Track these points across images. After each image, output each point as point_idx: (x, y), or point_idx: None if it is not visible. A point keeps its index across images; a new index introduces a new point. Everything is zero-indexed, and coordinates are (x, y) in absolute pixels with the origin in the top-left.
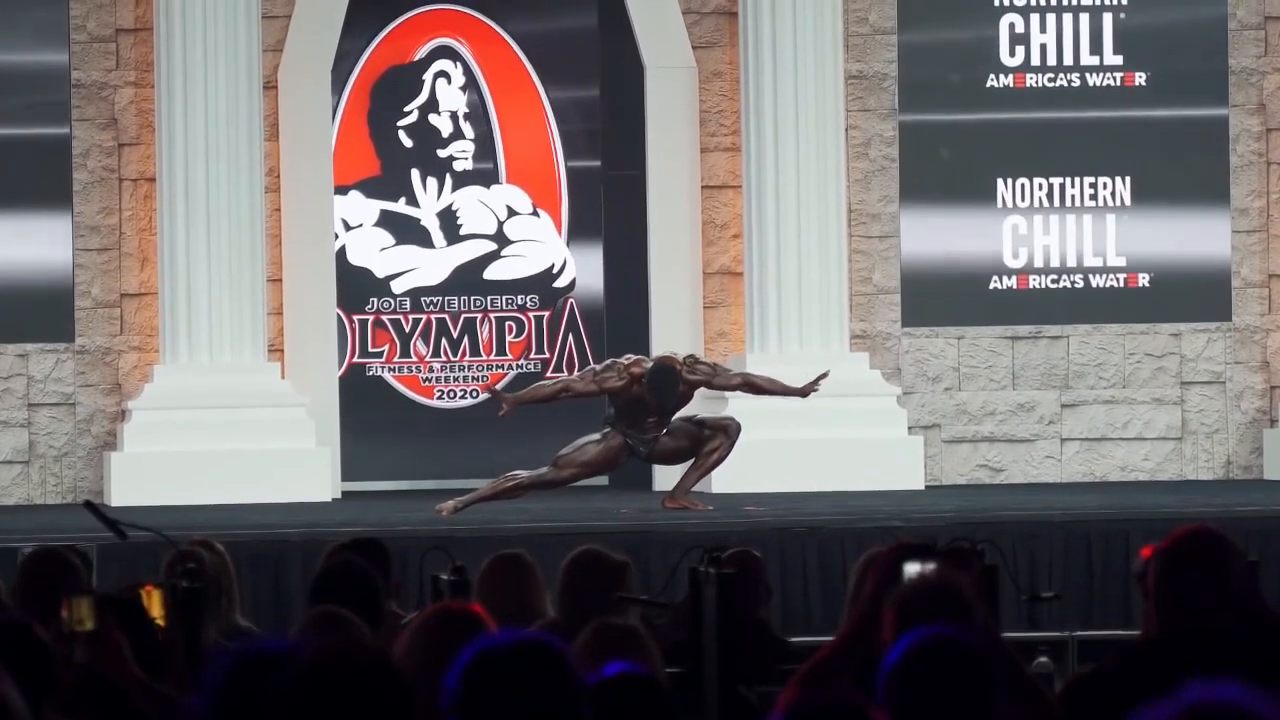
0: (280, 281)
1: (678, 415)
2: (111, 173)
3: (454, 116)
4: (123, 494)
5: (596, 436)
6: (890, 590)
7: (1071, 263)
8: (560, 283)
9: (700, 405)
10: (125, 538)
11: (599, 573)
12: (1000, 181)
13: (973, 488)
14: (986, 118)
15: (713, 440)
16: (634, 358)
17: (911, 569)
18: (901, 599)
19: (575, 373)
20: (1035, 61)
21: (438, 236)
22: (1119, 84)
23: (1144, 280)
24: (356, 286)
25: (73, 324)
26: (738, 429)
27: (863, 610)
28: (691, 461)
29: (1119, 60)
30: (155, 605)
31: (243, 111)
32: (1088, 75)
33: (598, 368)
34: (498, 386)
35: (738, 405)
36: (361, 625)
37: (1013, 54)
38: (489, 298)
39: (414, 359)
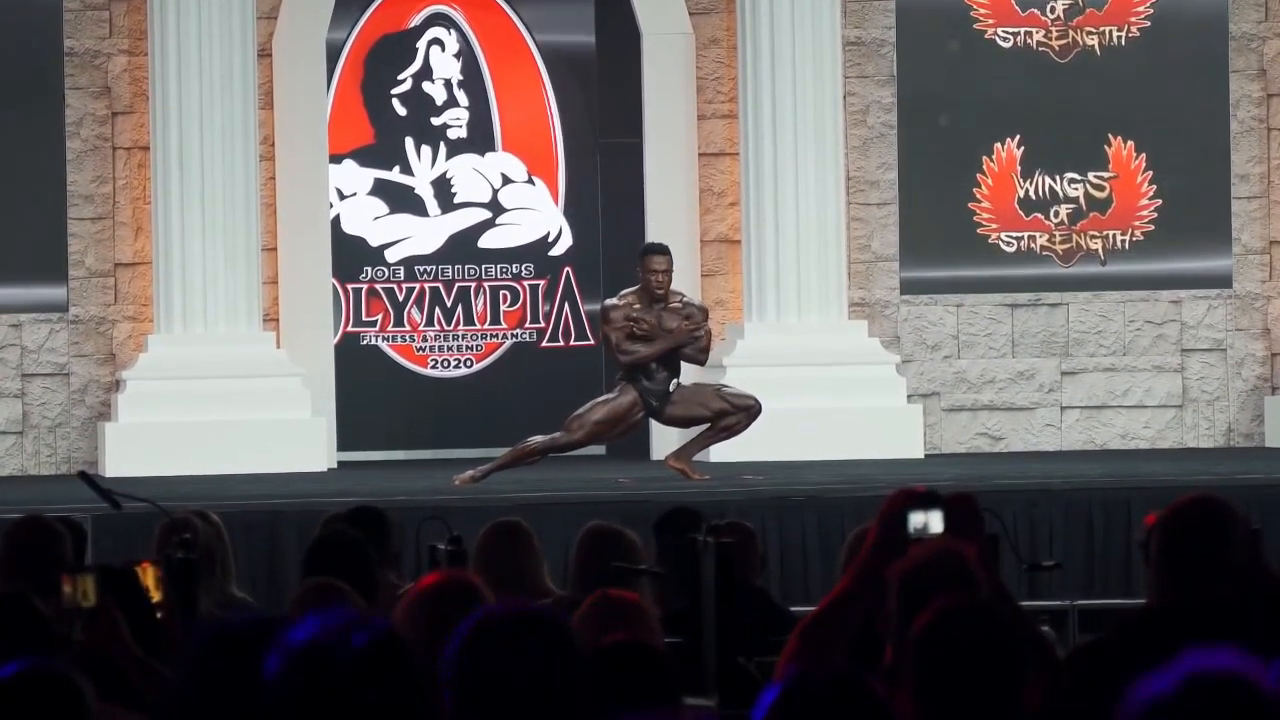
0: (275, 251)
1: (697, 380)
2: (105, 141)
3: (448, 84)
4: (117, 465)
5: (608, 395)
6: (893, 538)
7: (1072, 227)
8: (556, 251)
9: (727, 379)
10: (120, 508)
11: (615, 548)
12: (999, 146)
13: (972, 456)
14: (985, 83)
15: (733, 416)
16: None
17: (916, 519)
18: (906, 570)
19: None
20: (1034, 27)
21: (432, 205)
22: (1120, 47)
23: (1145, 246)
24: (351, 255)
25: (67, 293)
26: (759, 410)
27: (865, 559)
28: (705, 427)
29: (1119, 24)
30: (150, 581)
31: (237, 80)
32: (1087, 40)
33: (606, 326)
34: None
35: (739, 374)
36: (356, 596)
37: (1011, 19)
38: (483, 266)
39: (408, 328)
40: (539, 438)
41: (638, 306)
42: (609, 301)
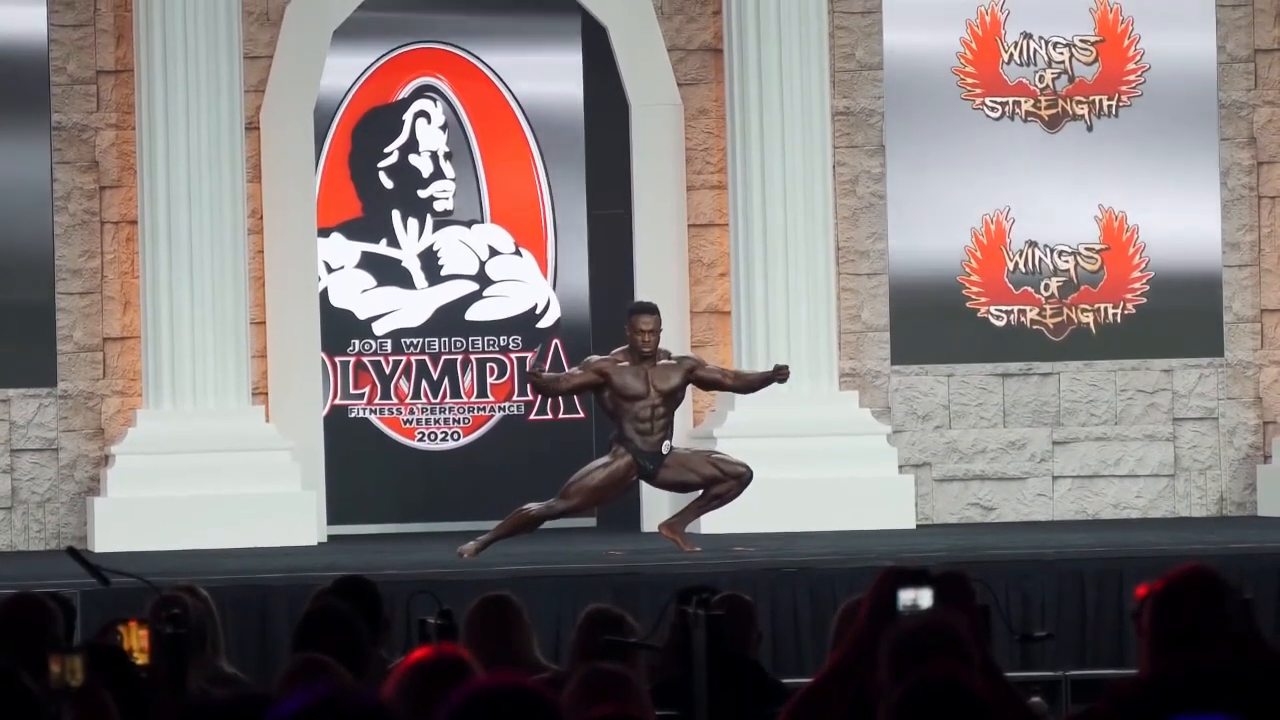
0: (264, 324)
1: (690, 446)
2: (93, 216)
3: (434, 156)
4: (106, 540)
5: (603, 460)
6: (883, 616)
7: (1063, 300)
8: (544, 323)
9: (717, 446)
10: (109, 584)
11: (615, 632)
12: (988, 217)
13: (964, 526)
14: (975, 153)
15: (724, 484)
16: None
17: (906, 596)
18: (897, 640)
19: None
20: (1023, 96)
21: (419, 277)
22: (1110, 117)
23: (1135, 316)
24: (338, 328)
25: (55, 368)
26: (750, 477)
27: (856, 637)
28: (697, 495)
29: (1109, 94)
30: (135, 640)
31: (225, 153)
32: (1077, 109)
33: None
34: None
35: (730, 445)
36: (344, 671)
37: (1000, 89)
38: (470, 339)
39: (395, 400)
40: (535, 505)
41: (624, 364)
42: (589, 362)
